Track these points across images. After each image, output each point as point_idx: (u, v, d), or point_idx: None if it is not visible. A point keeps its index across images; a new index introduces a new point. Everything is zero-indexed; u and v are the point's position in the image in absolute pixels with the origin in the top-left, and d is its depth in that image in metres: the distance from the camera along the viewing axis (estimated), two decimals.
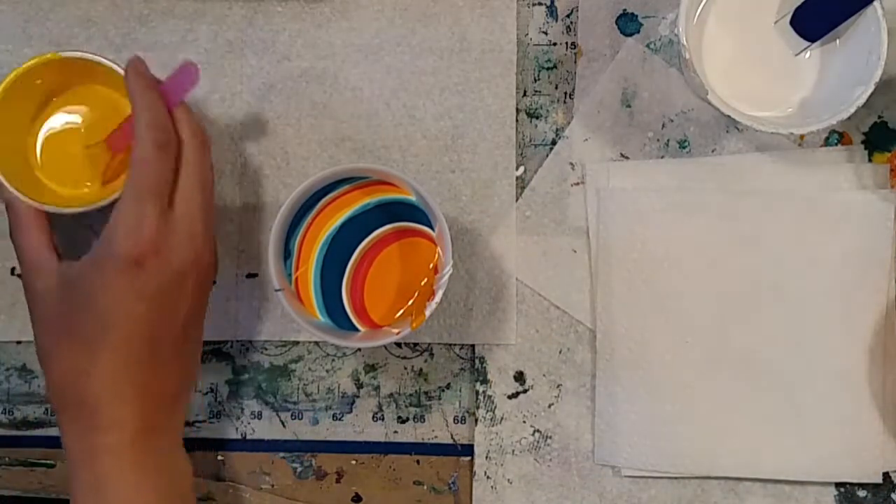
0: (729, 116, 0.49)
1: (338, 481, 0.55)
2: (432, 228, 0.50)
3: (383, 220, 0.51)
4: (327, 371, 0.55)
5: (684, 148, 0.55)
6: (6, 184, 0.47)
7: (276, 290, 0.48)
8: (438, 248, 0.50)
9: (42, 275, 0.45)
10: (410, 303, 0.51)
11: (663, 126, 0.55)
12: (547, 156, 0.55)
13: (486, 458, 0.54)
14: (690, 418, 0.53)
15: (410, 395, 0.55)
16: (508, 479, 0.54)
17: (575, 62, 0.56)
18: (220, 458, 0.55)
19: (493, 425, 0.55)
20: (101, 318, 0.43)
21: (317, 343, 0.55)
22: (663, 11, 0.56)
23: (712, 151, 0.55)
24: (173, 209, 0.44)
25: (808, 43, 0.52)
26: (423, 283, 0.51)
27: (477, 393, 0.55)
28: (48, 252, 0.46)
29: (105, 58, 0.48)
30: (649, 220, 0.54)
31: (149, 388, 0.44)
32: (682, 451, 0.53)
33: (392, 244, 0.51)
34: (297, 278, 0.51)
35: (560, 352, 0.55)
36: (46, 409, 0.55)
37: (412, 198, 0.50)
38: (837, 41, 0.53)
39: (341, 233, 0.51)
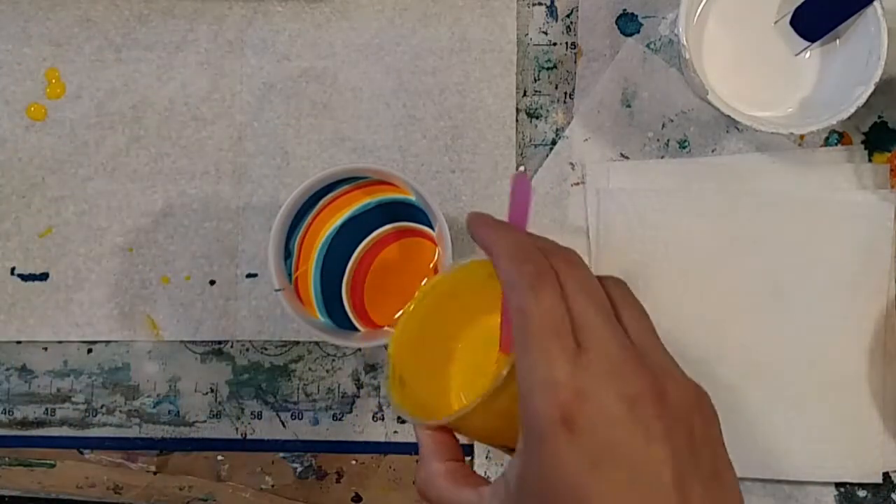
0: (729, 116, 0.49)
1: (338, 481, 0.55)
2: (432, 228, 0.50)
3: (383, 220, 0.51)
4: (327, 371, 0.55)
5: (684, 148, 0.55)
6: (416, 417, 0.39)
7: (276, 290, 0.48)
8: (438, 248, 0.50)
9: None
10: None
11: (663, 126, 0.55)
12: (547, 156, 0.55)
13: (486, 457, 0.54)
14: None
15: None
16: None
17: (575, 62, 0.56)
18: (220, 458, 0.55)
19: None
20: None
21: (317, 343, 0.55)
22: (663, 11, 0.56)
23: (712, 151, 0.55)
24: (584, 348, 0.33)
25: (808, 43, 0.52)
26: (423, 283, 0.51)
27: None
28: (461, 492, 0.36)
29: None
30: (649, 220, 0.54)
31: None
32: None
33: (392, 244, 0.51)
34: (297, 278, 0.51)
35: None
36: (46, 409, 0.55)
37: (412, 198, 0.50)
38: (837, 41, 0.53)
39: (341, 233, 0.51)
